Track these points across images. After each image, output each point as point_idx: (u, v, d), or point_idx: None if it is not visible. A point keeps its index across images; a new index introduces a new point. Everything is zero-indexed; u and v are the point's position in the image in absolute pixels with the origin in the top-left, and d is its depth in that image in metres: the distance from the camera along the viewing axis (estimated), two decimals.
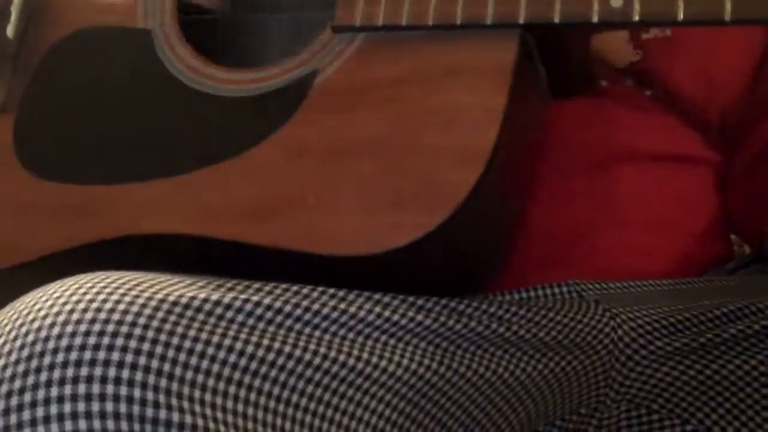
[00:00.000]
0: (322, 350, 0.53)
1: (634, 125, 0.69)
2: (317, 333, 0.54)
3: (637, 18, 0.55)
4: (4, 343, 0.48)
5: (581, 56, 0.64)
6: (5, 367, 0.47)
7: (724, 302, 0.66)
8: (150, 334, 0.48)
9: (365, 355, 0.55)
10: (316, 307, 0.54)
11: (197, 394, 0.48)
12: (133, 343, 0.47)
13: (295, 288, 0.55)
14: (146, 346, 0.47)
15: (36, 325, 0.48)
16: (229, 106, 0.61)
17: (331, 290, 0.56)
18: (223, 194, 0.59)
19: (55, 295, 0.50)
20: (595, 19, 0.55)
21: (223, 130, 0.61)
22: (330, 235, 0.56)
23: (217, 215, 0.59)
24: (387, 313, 0.56)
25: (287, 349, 0.52)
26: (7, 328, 0.49)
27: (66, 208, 0.63)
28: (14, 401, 0.46)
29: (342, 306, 0.55)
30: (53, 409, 0.45)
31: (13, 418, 0.45)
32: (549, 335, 0.62)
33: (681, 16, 0.54)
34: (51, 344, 0.47)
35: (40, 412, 0.45)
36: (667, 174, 0.71)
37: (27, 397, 0.45)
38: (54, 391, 0.45)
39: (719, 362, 0.64)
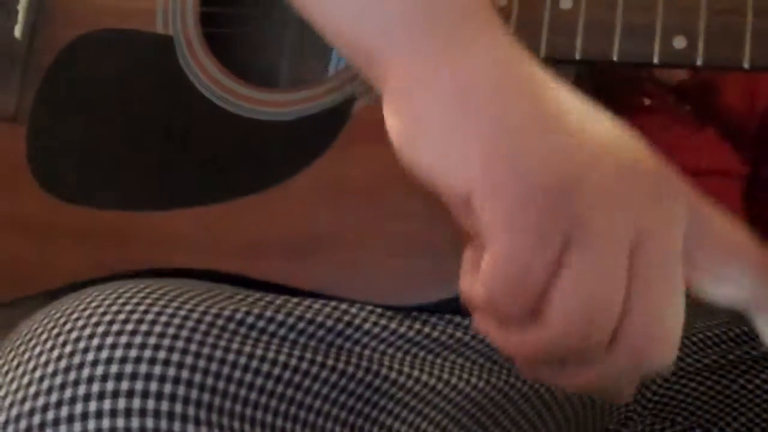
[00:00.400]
0: (364, 364, 0.52)
1: (673, 142, 0.68)
2: (357, 348, 0.53)
3: (700, 62, 0.52)
4: (41, 353, 0.46)
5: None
6: (42, 378, 0.45)
7: (746, 319, 0.66)
8: (192, 347, 0.46)
9: (406, 369, 0.54)
10: (357, 322, 0.53)
11: (238, 408, 0.47)
12: (175, 356, 0.46)
13: (333, 303, 0.54)
14: (188, 360, 0.46)
15: (74, 335, 0.46)
16: (261, 132, 0.58)
17: (370, 306, 0.55)
18: (256, 230, 0.57)
19: (94, 304, 0.48)
20: (655, 60, 0.53)
21: (256, 158, 0.58)
22: (370, 281, 0.54)
23: (252, 252, 0.56)
24: (427, 329, 0.55)
25: (330, 362, 0.51)
26: (43, 337, 0.47)
27: (90, 235, 0.60)
28: (50, 415, 0.44)
29: (383, 321, 0.54)
30: (91, 425, 0.44)
31: None
32: None
33: (747, 64, 0.52)
34: (90, 356, 0.45)
35: (77, 427, 0.44)
36: (700, 189, 0.70)
37: (64, 411, 0.44)
38: (93, 406, 0.44)
39: (745, 377, 0.65)
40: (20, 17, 0.62)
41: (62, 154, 0.62)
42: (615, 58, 0.53)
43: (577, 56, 0.54)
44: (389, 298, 0.54)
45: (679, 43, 0.53)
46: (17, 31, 0.63)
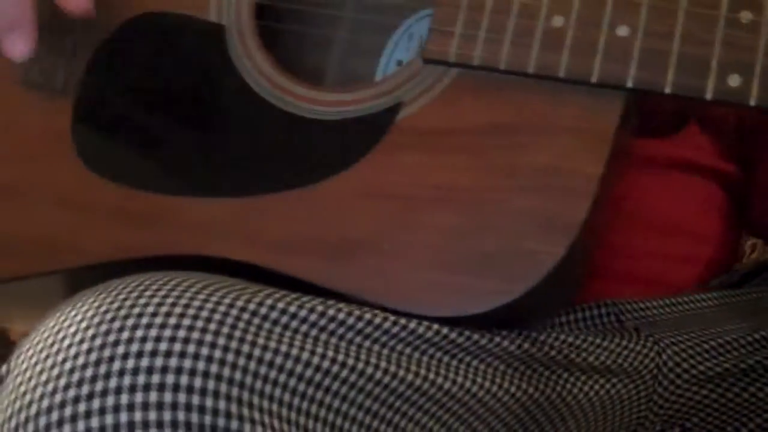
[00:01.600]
0: (383, 364, 0.52)
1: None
2: (376, 347, 0.53)
3: (753, 102, 0.52)
4: (70, 346, 0.47)
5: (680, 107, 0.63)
6: (72, 371, 0.46)
7: (762, 324, 0.66)
8: (220, 341, 0.47)
9: (422, 371, 0.54)
10: (377, 321, 0.54)
11: (266, 404, 0.47)
12: (204, 350, 0.46)
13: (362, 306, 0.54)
14: (217, 354, 0.46)
15: (104, 328, 0.47)
16: (305, 128, 0.58)
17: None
18: (292, 226, 0.57)
19: (121, 297, 0.48)
20: (708, 96, 0.53)
21: (297, 155, 0.58)
22: (400, 289, 0.54)
23: (285, 248, 0.56)
24: (445, 331, 0.55)
25: (348, 360, 0.51)
26: (71, 330, 0.48)
27: (125, 215, 0.60)
28: (82, 407, 0.45)
29: (402, 321, 0.54)
30: (123, 417, 0.44)
31: (81, 426, 0.44)
32: (598, 360, 0.62)
33: None
34: (121, 349, 0.46)
35: (109, 419, 0.44)
36: (686, 181, 0.71)
37: (95, 404, 0.45)
38: (124, 399, 0.45)
39: (757, 385, 0.65)
40: None
41: (105, 132, 0.62)
42: (667, 90, 0.53)
43: (630, 84, 0.54)
44: (418, 309, 0.54)
45: (734, 81, 0.53)
46: None
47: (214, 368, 0.46)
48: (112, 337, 0.46)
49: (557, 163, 0.54)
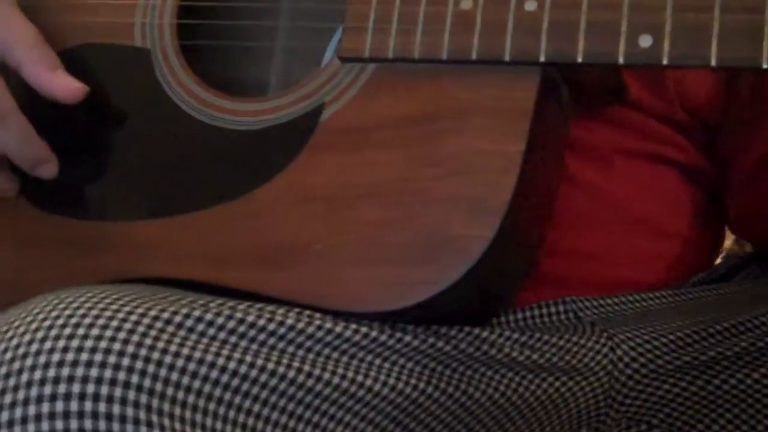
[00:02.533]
0: (306, 368, 0.52)
1: (611, 124, 0.67)
2: (300, 351, 0.53)
3: (666, 61, 0.51)
4: None
5: (608, 72, 0.61)
6: None
7: (725, 316, 0.64)
8: (129, 348, 0.47)
9: (349, 374, 0.53)
10: (300, 325, 0.53)
11: (177, 410, 0.47)
12: (112, 359, 0.47)
13: (281, 307, 0.54)
14: (125, 361, 0.47)
15: (14, 342, 0.48)
16: (232, 141, 0.58)
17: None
18: (227, 239, 0.56)
19: (35, 311, 0.49)
20: (621, 60, 0.52)
21: (226, 168, 0.58)
22: (336, 288, 0.54)
23: (222, 261, 0.56)
24: (373, 333, 0.54)
25: (270, 366, 0.51)
26: None
27: (67, 245, 0.60)
28: None
29: (327, 325, 0.54)
30: (31, 428, 0.45)
31: None
32: (543, 357, 0.60)
33: (714, 62, 0.51)
34: (29, 362, 0.46)
35: (17, 430, 0.45)
36: (652, 175, 0.69)
37: (4, 416, 0.45)
38: (32, 410, 0.45)
39: (722, 377, 0.63)
40: None
41: None
42: (580, 59, 0.52)
43: (542, 58, 0.53)
44: (354, 307, 0.54)
45: (645, 41, 0.52)
46: None
47: (121, 376, 0.46)
48: (21, 350, 0.47)
49: (478, 146, 0.53)
